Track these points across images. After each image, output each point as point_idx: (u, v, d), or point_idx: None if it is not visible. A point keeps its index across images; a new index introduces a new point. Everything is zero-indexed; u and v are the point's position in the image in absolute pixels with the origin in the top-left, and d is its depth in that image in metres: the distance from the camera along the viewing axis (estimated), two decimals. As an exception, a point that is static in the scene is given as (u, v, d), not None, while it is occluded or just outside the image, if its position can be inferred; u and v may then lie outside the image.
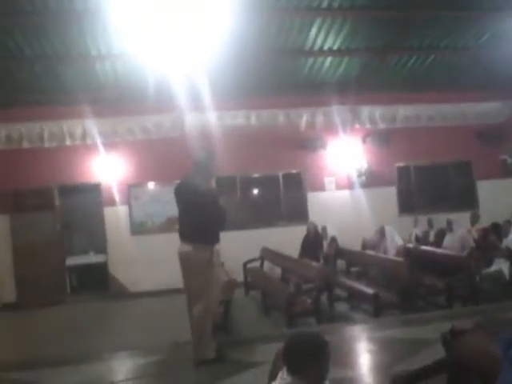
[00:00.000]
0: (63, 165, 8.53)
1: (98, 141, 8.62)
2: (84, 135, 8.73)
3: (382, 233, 7.43)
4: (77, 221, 9.25)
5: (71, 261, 8.72)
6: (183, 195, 4.15)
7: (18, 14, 5.85)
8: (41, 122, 8.62)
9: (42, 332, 6.16)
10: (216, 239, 4.20)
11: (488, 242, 6.54)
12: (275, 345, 2.52)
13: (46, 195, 8.45)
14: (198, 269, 3.95)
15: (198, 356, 3.98)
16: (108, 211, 8.71)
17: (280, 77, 8.66)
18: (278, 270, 7.64)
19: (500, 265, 5.95)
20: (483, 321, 4.46)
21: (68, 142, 8.70)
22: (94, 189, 8.70)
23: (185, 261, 4.03)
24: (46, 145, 8.64)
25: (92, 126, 8.63)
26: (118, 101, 8.48)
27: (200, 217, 3.95)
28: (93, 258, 8.99)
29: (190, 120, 8.91)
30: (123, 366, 4.37)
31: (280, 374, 1.88)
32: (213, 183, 4.41)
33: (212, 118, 8.84)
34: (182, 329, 5.62)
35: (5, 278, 8.11)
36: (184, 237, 4.09)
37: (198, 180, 4.08)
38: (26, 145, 8.60)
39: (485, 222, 7.86)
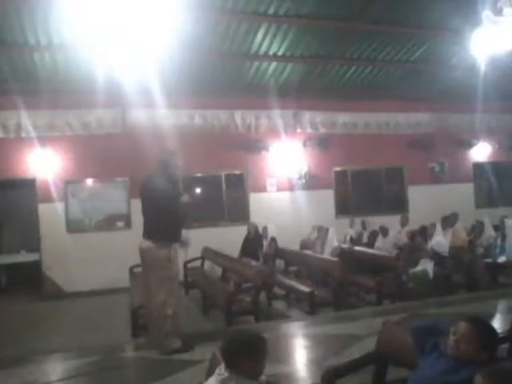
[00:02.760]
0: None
1: (34, 134, 8.26)
2: (19, 127, 8.32)
3: (318, 233, 7.75)
4: (8, 217, 8.79)
5: (1, 259, 8.28)
6: (146, 193, 4.33)
7: None
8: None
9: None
10: (176, 237, 4.36)
11: (415, 243, 7.03)
12: (214, 343, 2.62)
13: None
14: (157, 263, 4.17)
15: (164, 347, 4.15)
16: (43, 208, 8.36)
17: (225, 78, 8.76)
18: (218, 270, 7.72)
19: (425, 265, 6.43)
20: (409, 316, 4.83)
21: (1, 134, 8.26)
22: (29, 184, 8.31)
23: (145, 256, 4.30)
24: (-22, 136, 8.17)
25: (28, 119, 8.25)
26: (57, 94, 8.16)
27: (161, 215, 4.15)
28: (25, 257, 8.58)
29: (133, 117, 8.78)
30: (57, 368, 4.25)
31: (217, 370, 1.98)
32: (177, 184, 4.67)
33: (156, 115, 8.77)
34: (116, 329, 5.60)
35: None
36: (145, 233, 4.32)
37: (160, 179, 4.26)
38: (-47, 136, 8.08)
39: (413, 224, 8.42)
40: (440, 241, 6.82)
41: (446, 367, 2.00)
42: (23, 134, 8.29)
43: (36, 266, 8.29)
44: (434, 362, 2.06)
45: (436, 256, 6.57)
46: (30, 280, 8.36)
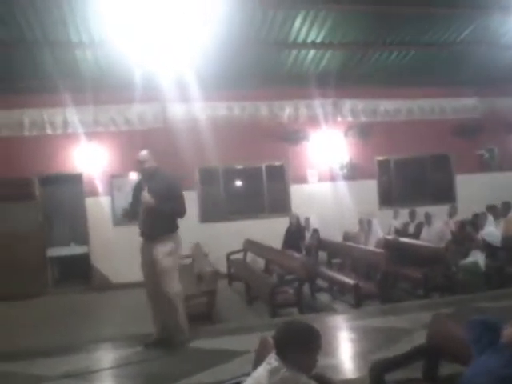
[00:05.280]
0: (44, 154, 8.40)
1: (80, 130, 8.52)
2: (65, 124, 8.61)
3: (363, 224, 7.58)
4: (58, 211, 9.13)
5: (52, 252, 8.62)
6: (157, 185, 4.29)
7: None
8: (20, 110, 8.45)
9: (24, 323, 6.12)
10: (177, 227, 4.41)
11: (465, 234, 6.75)
12: (258, 334, 2.61)
13: (27, 185, 8.30)
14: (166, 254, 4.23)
15: (178, 337, 4.25)
16: (90, 202, 8.63)
17: (264, 69, 8.68)
18: (260, 262, 7.73)
19: (476, 256, 6.15)
20: (461, 310, 4.65)
21: (49, 131, 8.57)
22: (76, 179, 8.60)
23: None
24: (26, 133, 8.50)
25: (73, 115, 8.52)
26: (101, 90, 8.37)
27: (168, 208, 4.19)
28: (74, 250, 8.90)
29: (173, 111, 8.88)
30: (107, 356, 4.39)
31: (267, 359, 1.95)
32: None
33: (195, 109, 8.83)
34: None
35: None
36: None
37: (167, 172, 4.47)
38: (5, 133, 8.43)
39: (462, 214, 8.09)
40: (492, 231, 6.52)
41: (502, 361, 1.92)
42: (69, 130, 8.57)
43: (85, 258, 8.59)
44: (490, 357, 1.99)
45: (488, 247, 6.28)
46: (79, 272, 8.67)
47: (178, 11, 6.12)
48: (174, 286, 4.23)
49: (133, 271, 8.29)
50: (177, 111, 8.83)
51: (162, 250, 4.18)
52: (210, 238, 8.19)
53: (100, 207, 8.62)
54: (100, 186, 8.65)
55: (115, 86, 8.27)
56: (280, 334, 1.94)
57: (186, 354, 4.17)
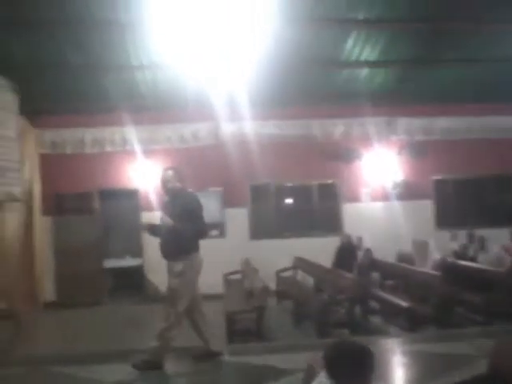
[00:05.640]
0: (103, 170, 8.84)
1: (137, 148, 8.89)
2: (124, 142, 9.01)
3: (418, 246, 7.31)
4: (115, 225, 9.52)
5: (109, 263, 8.97)
6: (178, 206, 4.27)
7: (65, 23, 6.11)
8: (83, 129, 8.95)
9: (81, 330, 6.38)
10: (194, 248, 4.37)
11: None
12: (307, 353, 2.56)
13: (87, 199, 8.75)
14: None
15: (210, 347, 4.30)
16: (145, 216, 8.93)
17: (315, 87, 8.68)
18: (310, 280, 7.62)
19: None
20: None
21: (108, 148, 9.00)
22: (132, 194, 8.95)
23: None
24: (88, 150, 8.96)
25: (131, 133, 8.90)
26: (157, 109, 8.74)
27: (188, 229, 4.13)
28: (129, 262, 9.23)
29: (226, 129, 9.07)
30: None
31: (318, 378, 1.91)
32: None
33: (248, 126, 8.98)
34: (214, 333, 5.73)
35: (47, 278, 8.43)
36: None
37: (190, 193, 4.50)
38: (69, 150, 8.95)
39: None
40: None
41: None
42: (128, 148, 8.95)
43: (139, 270, 8.86)
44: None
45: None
46: (133, 283, 8.94)
47: (230, 31, 6.30)
48: (179, 308, 4.17)
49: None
50: (230, 129, 9.01)
51: (173, 270, 4.22)
52: (260, 255, 8.20)
53: (154, 221, 8.86)
54: (154, 202, 8.93)
55: (171, 105, 8.59)
56: (331, 353, 1.88)
57: (235, 368, 4.16)
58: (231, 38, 6.43)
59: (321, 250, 8.13)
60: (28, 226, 8.02)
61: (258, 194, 9.24)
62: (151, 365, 4.05)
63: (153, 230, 4.54)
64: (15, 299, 6.60)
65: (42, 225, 8.58)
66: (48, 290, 8.43)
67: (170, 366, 4.27)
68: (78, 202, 8.76)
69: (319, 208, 9.31)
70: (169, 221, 4.13)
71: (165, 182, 4.32)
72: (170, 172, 4.37)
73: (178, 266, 4.17)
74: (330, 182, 9.36)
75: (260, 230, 9.07)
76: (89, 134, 8.99)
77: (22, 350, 5.28)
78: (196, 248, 4.29)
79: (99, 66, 7.36)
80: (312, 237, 8.98)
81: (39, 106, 8.17)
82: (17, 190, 6.78)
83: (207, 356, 4.27)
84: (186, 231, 4.10)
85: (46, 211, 8.67)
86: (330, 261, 7.92)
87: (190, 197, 4.39)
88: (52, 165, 8.70)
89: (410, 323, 5.29)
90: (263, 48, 6.86)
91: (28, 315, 6.89)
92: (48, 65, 7.16)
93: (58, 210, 8.77)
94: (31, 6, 5.57)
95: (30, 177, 8.11)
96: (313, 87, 8.64)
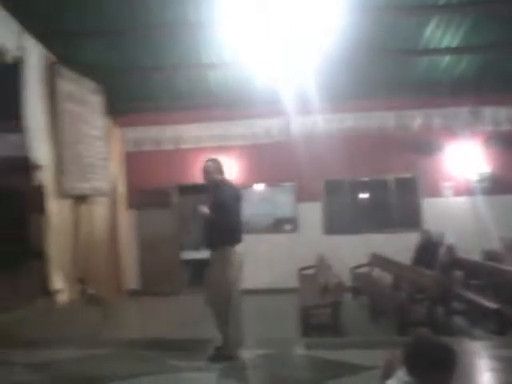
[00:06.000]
0: (179, 166, 9.18)
1: (211, 144, 9.12)
2: (198, 139, 9.29)
3: (507, 243, 6.77)
4: (191, 218, 9.86)
5: (186, 255, 9.33)
6: (238, 199, 4.37)
7: (142, 29, 6.43)
8: (159, 127, 9.34)
9: (162, 317, 6.71)
10: (233, 240, 4.33)
11: None
12: (384, 350, 2.46)
13: (166, 194, 9.16)
14: None
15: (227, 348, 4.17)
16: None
17: (391, 78, 8.35)
18: (387, 278, 7.36)
19: None
20: None
21: (184, 145, 9.32)
22: (206, 189, 9.18)
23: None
24: (164, 147, 9.35)
25: (205, 130, 9.17)
26: (230, 106, 8.90)
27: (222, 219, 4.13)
28: (204, 254, 9.48)
29: (298, 124, 9.02)
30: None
31: (398, 374, 1.84)
32: None
33: (320, 121, 8.86)
34: (285, 327, 5.75)
35: (130, 268, 8.96)
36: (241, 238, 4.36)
37: (229, 185, 4.44)
38: (146, 147, 9.39)
39: None
40: None
41: None
42: (202, 145, 9.22)
43: (214, 263, 9.08)
44: None
45: None
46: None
47: (302, 22, 6.23)
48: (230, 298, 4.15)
49: (258, 278, 8.65)
50: (303, 123, 8.95)
51: (217, 261, 4.19)
52: (334, 251, 8.07)
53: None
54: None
55: (244, 102, 8.71)
56: (412, 350, 1.81)
57: (310, 362, 4.13)
58: (303, 30, 6.37)
59: (398, 246, 7.82)
60: (113, 220, 8.57)
61: (333, 188, 9.08)
62: (223, 356, 4.08)
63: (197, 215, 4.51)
64: (103, 287, 7.06)
65: (126, 218, 9.11)
66: (131, 279, 8.95)
67: (249, 355, 4.33)
68: (158, 196, 9.18)
69: (397, 203, 8.96)
70: (205, 211, 4.15)
71: (205, 173, 4.35)
72: (210, 163, 4.38)
73: (212, 257, 4.23)
74: (408, 175, 8.97)
75: (334, 225, 8.93)
76: (165, 132, 9.37)
77: (108, 332, 5.69)
78: (228, 241, 4.19)
79: (174, 66, 7.65)
80: (389, 233, 8.65)
81: (122, 106, 8.68)
82: (104, 186, 7.26)
83: (220, 357, 4.11)
84: (215, 223, 4.10)
85: (130, 205, 9.19)
86: (408, 258, 7.59)
87: (226, 189, 4.32)
88: (135, 162, 9.19)
89: (499, 326, 4.91)
90: (336, 39, 6.72)
91: (114, 302, 7.37)
92: (129, 68, 7.59)
93: (140, 204, 9.25)
94: (113, 17, 5.95)
95: (115, 173, 8.64)
96: (390, 78, 8.33)
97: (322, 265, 7.11)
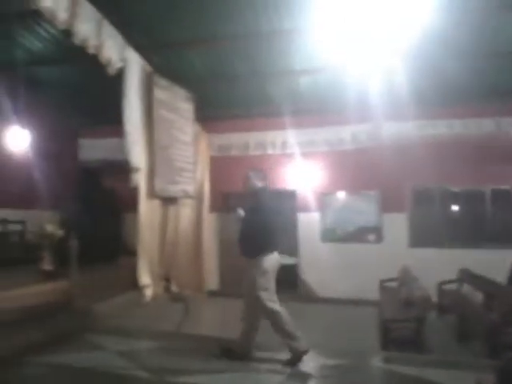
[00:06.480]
0: (265, 172, 9.31)
1: (296, 150, 9.17)
2: (284, 145, 9.38)
3: None
4: (274, 224, 9.97)
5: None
6: (274, 208, 4.53)
7: (234, 37, 6.66)
8: (248, 133, 9.59)
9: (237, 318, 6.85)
10: (265, 250, 4.47)
11: None
12: (472, 373, 2.29)
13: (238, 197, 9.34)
14: None
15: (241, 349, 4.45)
16: (301, 217, 9.16)
17: (490, 81, 7.80)
18: (478, 296, 6.85)
19: None
20: None
21: (269, 151, 9.47)
22: (290, 195, 9.26)
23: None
24: (251, 153, 9.57)
25: (291, 137, 9.23)
26: (317, 112, 8.90)
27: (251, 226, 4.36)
28: (285, 260, 9.55)
29: (386, 130, 8.75)
30: (311, 361, 4.48)
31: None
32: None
33: (410, 127, 8.53)
34: (364, 339, 5.59)
35: (212, 269, 9.28)
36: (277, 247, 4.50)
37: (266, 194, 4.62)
38: (234, 153, 9.68)
39: None
40: None
41: None
42: (287, 151, 9.30)
43: (294, 269, 9.12)
44: None
45: None
46: (288, 281, 9.21)
47: (394, 26, 6.04)
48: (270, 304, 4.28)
49: (338, 288, 8.52)
50: (392, 129, 8.67)
51: (250, 267, 4.33)
52: (419, 264, 7.67)
53: (310, 222, 9.05)
54: (311, 203, 9.10)
55: (331, 108, 8.66)
56: (505, 375, 1.69)
57: (389, 376, 3.98)
58: (395, 33, 6.18)
59: (492, 263, 7.23)
60: (198, 222, 8.93)
61: (421, 198, 8.66)
62: (233, 354, 4.37)
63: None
64: (186, 285, 7.38)
65: (209, 221, 9.45)
66: (212, 279, 9.25)
67: (321, 363, 4.29)
68: (241, 200, 9.38)
69: (493, 216, 8.30)
70: (241, 213, 4.41)
71: (244, 182, 4.59)
72: (251, 172, 4.65)
73: (247, 263, 4.36)
74: (507, 187, 8.29)
75: (421, 237, 8.49)
76: (252, 138, 9.59)
77: (189, 328, 5.95)
78: (261, 249, 4.31)
79: (264, 73, 7.81)
80: (482, 248, 8.04)
81: (211, 113, 9.04)
82: (191, 189, 7.60)
83: (232, 353, 4.37)
84: (248, 229, 4.32)
85: (213, 208, 9.53)
86: (501, 276, 7.01)
87: (263, 197, 4.47)
88: (219, 166, 9.52)
89: None
90: (430, 42, 6.43)
91: (195, 300, 7.67)
92: (219, 75, 7.89)
93: (223, 208, 9.55)
94: (210, 27, 6.25)
95: (201, 177, 9.02)
96: (488, 81, 7.78)
97: (406, 277, 6.81)
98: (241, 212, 4.44)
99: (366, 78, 7.35)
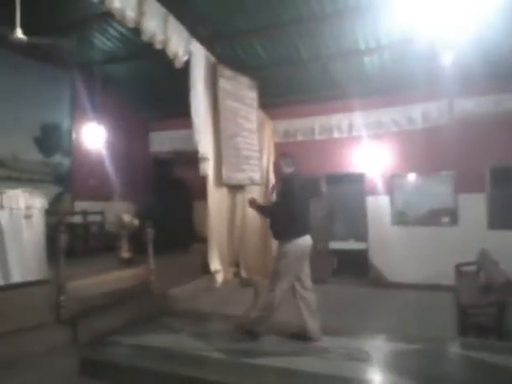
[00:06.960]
0: (331, 155, 9.22)
1: (363, 132, 8.94)
2: (350, 127, 9.17)
3: None
4: (340, 208, 9.86)
5: (334, 245, 9.38)
6: (302, 189, 4.49)
7: (297, 22, 6.59)
8: (312, 117, 9.48)
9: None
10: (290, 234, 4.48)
11: None
12: None
13: (316, 183, 9.30)
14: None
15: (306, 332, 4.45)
16: (370, 200, 8.96)
17: None
18: None
19: None
20: None
21: (336, 135, 9.30)
22: (358, 178, 9.08)
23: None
24: (317, 137, 9.47)
25: (358, 119, 9.00)
26: (384, 92, 8.59)
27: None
28: (353, 245, 9.45)
29: (460, 106, 8.26)
30: (382, 347, 4.41)
31: None
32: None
33: (487, 102, 7.98)
34: (440, 325, 5.40)
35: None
36: (308, 229, 4.51)
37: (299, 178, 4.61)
38: (300, 138, 9.63)
39: None
40: None
41: None
42: (354, 133, 9.09)
43: (363, 254, 8.98)
44: None
45: None
46: (357, 266, 9.12)
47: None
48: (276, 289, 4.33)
49: (409, 272, 8.27)
50: (465, 106, 8.17)
51: (277, 250, 4.41)
52: (499, 247, 7.22)
53: (379, 206, 8.83)
54: (380, 186, 8.86)
55: (399, 87, 8.32)
56: None
57: (467, 362, 3.83)
58: (466, 4, 5.80)
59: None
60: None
61: (500, 178, 8.11)
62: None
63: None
64: (254, 271, 7.53)
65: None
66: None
67: (393, 348, 4.21)
68: (308, 185, 9.34)
69: None
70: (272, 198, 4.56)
71: (275, 168, 4.62)
72: (285, 157, 4.69)
73: (280, 249, 4.39)
74: None
75: (501, 218, 7.98)
76: (317, 122, 9.47)
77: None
78: (288, 233, 4.33)
79: (328, 55, 7.66)
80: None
81: (274, 100, 9.05)
82: (257, 176, 7.69)
83: (301, 338, 4.42)
84: (271, 214, 4.45)
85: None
86: None
87: (292, 182, 4.45)
88: (284, 152, 9.50)
89: None
90: (506, 11, 5.95)
91: (264, 285, 7.80)
92: (283, 61, 7.86)
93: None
94: (271, 14, 6.25)
95: (266, 163, 9.09)
96: None
97: (485, 261, 6.46)
98: (273, 196, 4.59)
99: (435, 52, 6.96)
